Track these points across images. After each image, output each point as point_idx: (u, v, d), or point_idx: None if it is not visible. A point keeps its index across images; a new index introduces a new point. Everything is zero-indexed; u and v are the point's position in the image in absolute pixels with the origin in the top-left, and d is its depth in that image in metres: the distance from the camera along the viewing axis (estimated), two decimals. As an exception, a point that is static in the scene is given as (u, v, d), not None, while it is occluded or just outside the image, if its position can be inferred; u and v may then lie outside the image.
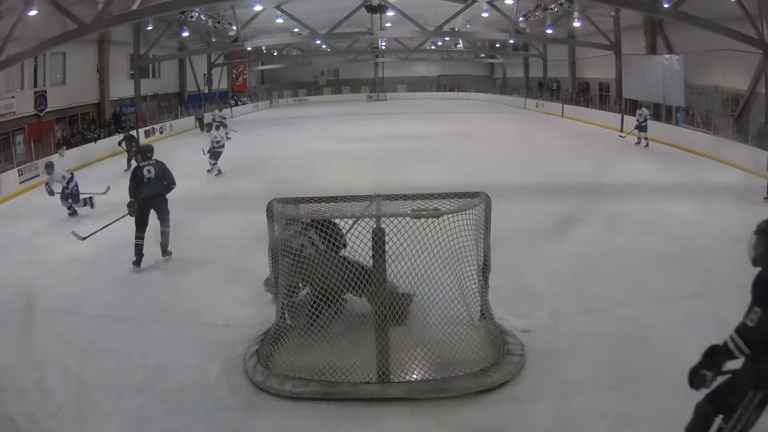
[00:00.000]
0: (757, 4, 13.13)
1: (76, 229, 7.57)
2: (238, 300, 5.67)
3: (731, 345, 2.95)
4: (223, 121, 19.89)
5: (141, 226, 6.79)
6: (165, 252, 7.10)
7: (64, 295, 6.06)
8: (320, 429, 3.74)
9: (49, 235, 8.53)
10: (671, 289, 5.72)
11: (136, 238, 6.78)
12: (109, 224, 7.30)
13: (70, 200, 9.72)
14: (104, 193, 9.94)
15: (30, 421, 3.83)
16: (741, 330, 2.94)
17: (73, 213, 9.77)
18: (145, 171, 6.88)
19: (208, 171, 12.90)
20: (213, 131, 13.13)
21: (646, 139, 15.41)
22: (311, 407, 3.92)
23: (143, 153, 7.33)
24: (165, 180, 7.00)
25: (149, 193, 6.85)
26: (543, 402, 3.90)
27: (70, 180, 9.67)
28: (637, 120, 15.70)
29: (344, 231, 4.71)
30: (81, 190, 9.85)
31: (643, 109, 16.00)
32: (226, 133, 17.94)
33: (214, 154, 12.83)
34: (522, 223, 7.95)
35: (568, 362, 4.36)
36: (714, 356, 2.99)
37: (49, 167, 9.69)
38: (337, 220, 4.77)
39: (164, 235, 7.07)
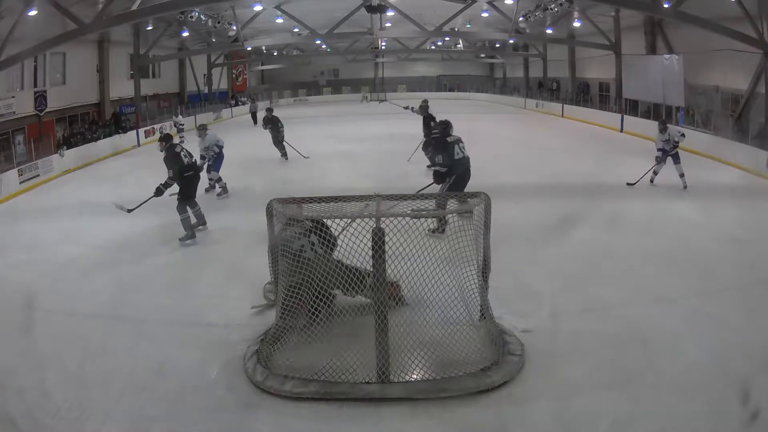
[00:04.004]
0: (757, 4, 13.13)
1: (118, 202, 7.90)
2: (238, 300, 5.66)
3: (438, 167, 7.46)
4: (182, 126, 19.88)
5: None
6: None
7: (64, 295, 6.06)
8: (320, 429, 3.74)
9: (49, 235, 8.52)
10: (671, 289, 5.71)
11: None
12: None
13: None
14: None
15: (30, 421, 3.83)
16: (436, 162, 7.46)
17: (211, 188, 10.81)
18: None
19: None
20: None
21: (681, 176, 9.99)
22: (311, 407, 3.92)
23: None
24: None
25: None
26: (543, 402, 3.90)
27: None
28: (663, 146, 9.98)
29: (336, 233, 4.74)
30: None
31: (671, 130, 10.06)
32: (181, 139, 18.14)
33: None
34: (522, 223, 7.95)
35: (568, 362, 4.36)
36: (441, 176, 7.40)
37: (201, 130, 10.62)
38: (328, 222, 4.79)
39: None
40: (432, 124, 11.47)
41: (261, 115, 15.50)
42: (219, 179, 10.71)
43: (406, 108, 13.88)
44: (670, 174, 10.15)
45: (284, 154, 13.80)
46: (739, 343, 4.51)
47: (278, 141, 13.75)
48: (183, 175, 7.66)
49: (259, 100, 31.04)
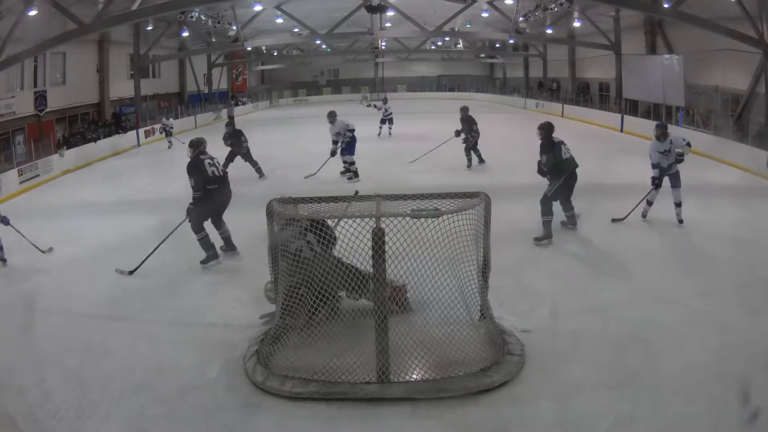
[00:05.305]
0: (757, 4, 13.13)
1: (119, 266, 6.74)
2: (238, 300, 5.67)
3: (544, 168, 7.18)
4: (171, 130, 19.00)
5: None
6: None
7: (64, 295, 6.07)
8: (320, 429, 3.74)
9: (49, 235, 8.51)
10: (671, 289, 5.71)
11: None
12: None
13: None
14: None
15: (30, 421, 3.83)
16: (543, 163, 7.22)
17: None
18: None
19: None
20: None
21: (678, 205, 7.77)
22: (311, 407, 3.92)
23: None
24: None
25: None
26: (543, 402, 3.90)
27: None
28: (659, 160, 7.55)
29: (332, 227, 4.75)
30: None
31: (674, 138, 7.56)
32: (170, 144, 17.93)
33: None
34: (522, 223, 7.94)
35: (568, 362, 4.36)
36: (544, 172, 7.24)
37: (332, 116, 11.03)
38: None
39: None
40: (474, 127, 12.18)
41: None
42: (352, 162, 11.13)
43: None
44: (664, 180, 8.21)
45: (258, 170, 12.08)
46: (739, 343, 4.51)
47: (248, 157, 12.02)
48: (206, 188, 6.66)
49: (244, 104, 30.90)
